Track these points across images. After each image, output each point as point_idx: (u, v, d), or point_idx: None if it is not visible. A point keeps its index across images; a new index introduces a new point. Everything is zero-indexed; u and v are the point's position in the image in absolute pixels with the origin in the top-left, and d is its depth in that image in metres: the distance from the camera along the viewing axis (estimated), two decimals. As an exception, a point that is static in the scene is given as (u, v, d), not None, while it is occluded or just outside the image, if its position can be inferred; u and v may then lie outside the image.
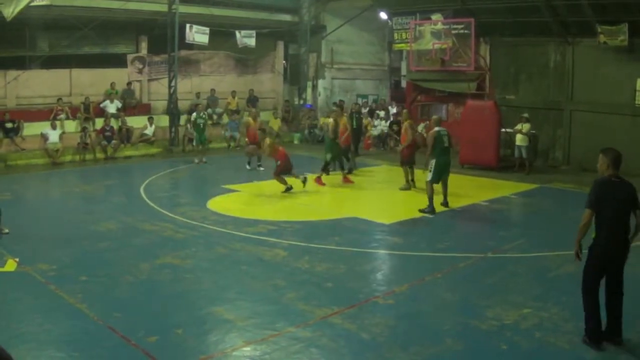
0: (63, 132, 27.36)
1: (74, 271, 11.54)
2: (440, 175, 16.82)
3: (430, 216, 16.22)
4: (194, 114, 26.86)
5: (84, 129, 27.97)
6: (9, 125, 26.71)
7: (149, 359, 7.85)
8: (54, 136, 26.81)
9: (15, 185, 21.42)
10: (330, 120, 21.89)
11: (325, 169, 21.03)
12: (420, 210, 16.50)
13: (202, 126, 26.01)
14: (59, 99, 28.66)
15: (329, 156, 21.03)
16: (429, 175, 16.62)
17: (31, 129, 27.37)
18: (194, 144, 27.33)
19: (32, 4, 24.55)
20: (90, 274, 11.30)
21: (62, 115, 28.23)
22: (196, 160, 25.57)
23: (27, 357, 8.04)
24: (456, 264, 12.18)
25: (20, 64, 28.65)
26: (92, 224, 15.33)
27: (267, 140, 19.67)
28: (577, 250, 8.42)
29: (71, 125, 28.32)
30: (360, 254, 12.90)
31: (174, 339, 8.40)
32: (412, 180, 19.83)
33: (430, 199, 16.56)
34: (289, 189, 19.14)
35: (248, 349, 8.22)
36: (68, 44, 30.00)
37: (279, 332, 8.64)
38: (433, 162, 16.62)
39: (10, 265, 11.94)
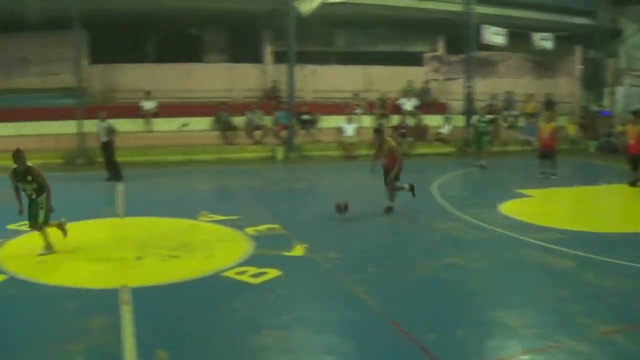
0: (359, 127, 28.07)
1: (361, 262, 11.74)
2: None
3: None
4: (475, 117, 26.66)
5: (379, 125, 28.56)
6: (305, 117, 27.86)
7: (425, 356, 7.86)
8: (349, 130, 27.59)
9: (311, 175, 22.25)
10: None
11: None
12: None
13: (481, 130, 25.67)
14: (355, 94, 29.40)
15: None
16: None
17: (327, 121, 28.34)
18: (474, 147, 27.10)
19: (328, 1, 25.28)
20: (377, 266, 11.45)
21: (359, 110, 28.96)
22: (482, 165, 25.15)
23: (305, 340, 8.24)
24: None
25: (318, 59, 29.63)
26: (382, 217, 15.69)
27: (390, 140, 17.13)
28: None
29: (367, 121, 28.99)
30: (654, 271, 12.23)
31: (453, 339, 8.25)
32: None
33: None
34: (390, 208, 16.36)
35: (526, 357, 7.92)
36: (364, 41, 30.73)
37: (558, 344, 8.33)
38: None
39: (298, 250, 12.39)
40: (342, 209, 15.58)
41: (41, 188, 11.91)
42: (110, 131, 22.07)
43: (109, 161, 22.10)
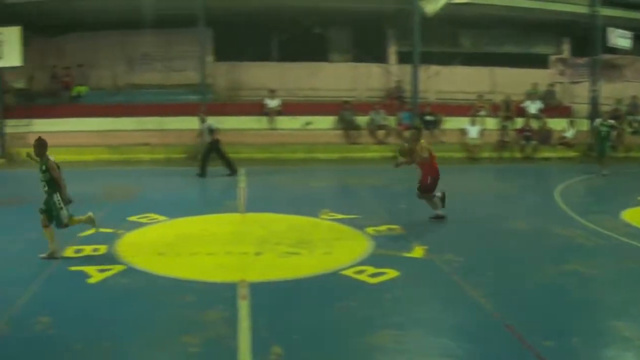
0: (483, 129, 27.87)
1: (480, 265, 11.66)
2: None
3: None
4: (598, 121, 25.97)
5: (503, 127, 28.35)
6: (429, 118, 27.85)
7: (540, 363, 7.77)
8: (473, 132, 27.46)
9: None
10: None
11: None
12: None
13: (603, 135, 24.80)
14: (480, 96, 29.20)
15: None
16: None
17: (450, 123, 28.25)
18: (597, 152, 26.29)
19: (453, 1, 25.19)
20: (496, 270, 11.36)
21: (483, 112, 28.75)
22: (604, 172, 23.91)
23: (420, 341, 8.25)
24: None
25: (442, 59, 29.61)
26: (503, 221, 15.47)
27: (423, 143, 15.21)
28: None
29: (491, 123, 28.77)
30: None
31: (568, 347, 8.08)
32: None
33: None
34: (440, 217, 15.29)
35: (645, 369, 7.86)
36: (489, 42, 30.55)
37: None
38: None
39: (417, 251, 12.36)
40: (403, 152, 15.43)
41: (52, 181, 11.67)
42: (211, 130, 22.58)
43: (223, 158, 22.59)
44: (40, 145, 11.94)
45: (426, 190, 15.21)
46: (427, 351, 8.06)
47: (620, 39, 29.17)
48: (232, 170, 22.53)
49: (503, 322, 8.76)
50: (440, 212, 15.25)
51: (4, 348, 7.81)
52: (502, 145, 28.23)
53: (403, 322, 8.70)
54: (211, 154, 22.62)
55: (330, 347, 7.92)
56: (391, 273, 10.83)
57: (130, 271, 10.94)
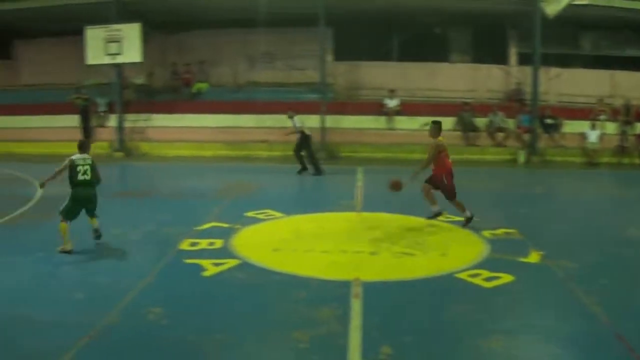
0: (603, 133, 27.30)
1: (596, 273, 11.41)
2: None
3: None
4: None
5: (622, 132, 27.69)
6: (548, 121, 27.50)
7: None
8: (593, 136, 26.92)
9: (552, 180, 21.83)
10: None
11: None
12: None
13: None
14: (600, 100, 28.62)
15: None
16: None
17: (570, 126, 27.76)
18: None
19: (574, 2, 24.75)
20: (611, 278, 11.07)
21: (603, 116, 28.15)
22: None
23: (528, 348, 8.21)
24: None
25: (563, 61, 29.12)
26: (621, 228, 15.04)
27: (440, 140, 15.11)
28: None
29: (611, 127, 28.14)
30: None
31: None
32: None
33: None
34: (438, 213, 14.94)
35: None
36: (610, 44, 29.88)
37: None
38: None
39: (534, 257, 12.18)
40: (396, 186, 14.95)
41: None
42: (298, 128, 22.60)
43: (298, 156, 22.66)
44: (80, 144, 12.32)
45: (451, 193, 14.85)
46: (535, 358, 8.01)
47: None
48: (303, 169, 22.90)
49: (614, 332, 8.59)
50: (469, 213, 14.72)
51: (116, 336, 8.13)
52: (621, 150, 27.58)
53: (514, 328, 8.69)
54: (311, 150, 22.75)
55: (440, 349, 7.97)
56: (506, 277, 10.74)
57: (245, 266, 11.18)
